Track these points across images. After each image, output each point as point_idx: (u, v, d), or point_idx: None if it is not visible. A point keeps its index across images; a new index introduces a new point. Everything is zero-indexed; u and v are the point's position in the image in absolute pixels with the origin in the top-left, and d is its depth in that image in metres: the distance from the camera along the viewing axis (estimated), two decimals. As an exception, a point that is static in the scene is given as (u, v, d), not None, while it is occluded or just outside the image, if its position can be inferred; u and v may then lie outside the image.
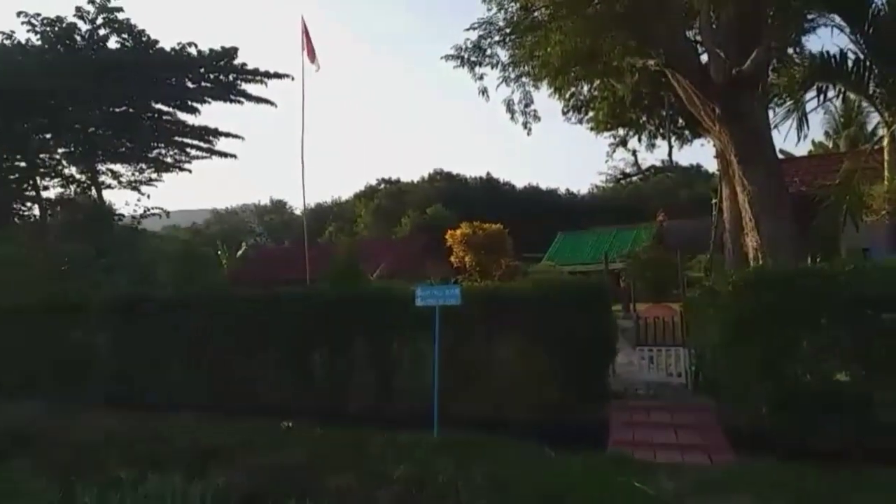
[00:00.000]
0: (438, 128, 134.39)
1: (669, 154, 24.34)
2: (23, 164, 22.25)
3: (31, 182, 22.77)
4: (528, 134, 17.58)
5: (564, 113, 19.98)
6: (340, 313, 11.54)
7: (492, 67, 15.89)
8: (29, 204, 24.09)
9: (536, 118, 17.13)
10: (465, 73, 15.78)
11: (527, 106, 16.96)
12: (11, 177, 23.03)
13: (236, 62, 20.17)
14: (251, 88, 21.03)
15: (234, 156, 23.53)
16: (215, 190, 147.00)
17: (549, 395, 9.54)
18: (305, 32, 16.13)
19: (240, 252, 34.64)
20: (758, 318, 8.49)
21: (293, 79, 19.06)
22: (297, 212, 67.88)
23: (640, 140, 21.37)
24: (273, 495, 7.05)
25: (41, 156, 21.94)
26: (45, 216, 22.78)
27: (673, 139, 20.58)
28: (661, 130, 20.48)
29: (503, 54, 15.80)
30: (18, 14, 18.52)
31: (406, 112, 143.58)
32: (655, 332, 11.96)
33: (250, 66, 20.27)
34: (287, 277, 18.64)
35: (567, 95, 19.17)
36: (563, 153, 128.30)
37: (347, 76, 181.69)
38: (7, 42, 18.72)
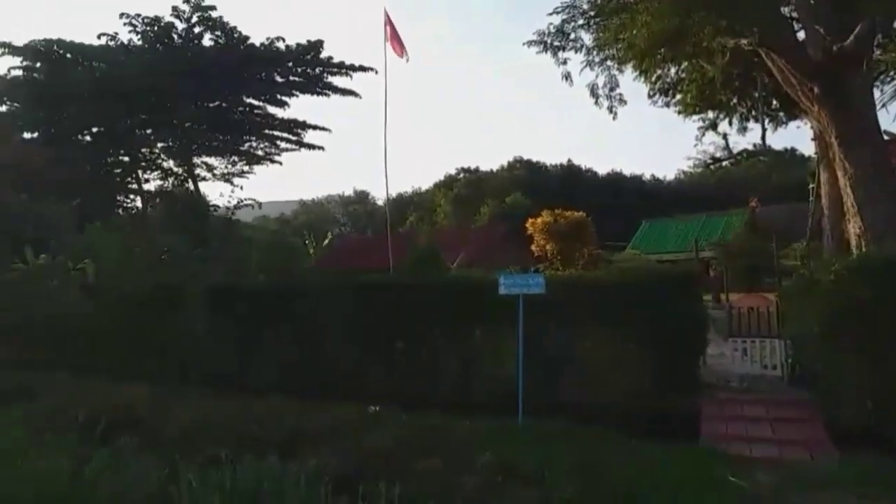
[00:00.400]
0: (518, 115, 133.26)
1: (763, 137, 23.13)
2: (126, 158, 23.65)
3: (133, 175, 24.20)
4: (614, 118, 17.19)
5: (650, 96, 19.36)
6: (423, 301, 11.71)
7: (575, 52, 15.64)
8: (132, 196, 25.70)
9: (622, 102, 16.73)
10: (546, 58, 15.60)
11: (612, 90, 16.58)
12: (116, 171, 24.57)
13: (322, 55, 20.66)
14: (336, 81, 21.52)
15: (321, 148, 24.23)
16: (302, 182, 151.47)
17: (635, 385, 9.37)
18: (390, 24, 16.32)
19: (325, 242, 35.66)
20: (862, 307, 8.04)
21: (377, 72, 19.28)
22: (380, 202, 69.13)
23: (730, 123, 20.45)
24: (363, 477, 7.23)
25: (142, 150, 23.23)
26: (146, 207, 24.18)
27: (766, 121, 19.58)
28: (754, 112, 19.51)
29: (587, 38, 15.51)
30: (121, 15, 19.68)
31: (485, 100, 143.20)
32: (749, 322, 11.50)
33: (334, 59, 20.82)
34: (369, 266, 19.01)
35: (653, 78, 18.56)
36: (648, 138, 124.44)
37: (426, 66, 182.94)
38: (111, 43, 19.85)
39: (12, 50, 18.77)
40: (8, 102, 21.15)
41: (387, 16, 16.61)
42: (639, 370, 9.46)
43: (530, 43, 15.61)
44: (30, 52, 19.03)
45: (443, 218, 61.98)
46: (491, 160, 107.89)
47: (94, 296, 17.85)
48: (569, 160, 68.00)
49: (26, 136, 22.61)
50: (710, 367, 10.86)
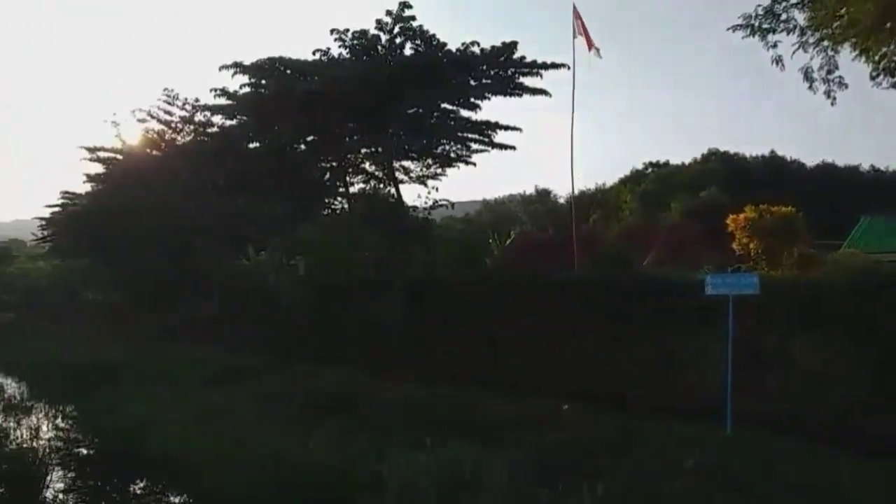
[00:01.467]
0: (714, 106, 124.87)
1: None
2: (334, 163, 25.70)
3: (340, 179, 26.27)
4: (832, 104, 15.43)
5: (873, 77, 17.21)
6: (616, 299, 11.53)
7: (787, 33, 14.34)
8: (339, 199, 27.97)
9: (842, 85, 15.03)
10: (747, 45, 14.48)
11: (829, 73, 14.95)
12: (325, 175, 26.92)
13: (515, 56, 20.84)
14: (527, 80, 21.58)
15: (513, 147, 24.34)
16: (486, 181, 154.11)
17: (857, 398, 8.52)
18: (579, 19, 16.17)
19: (509, 241, 36.12)
20: None
21: (569, 68, 19.09)
22: (561, 200, 68.44)
23: (976, 102, 17.65)
24: (564, 471, 7.29)
25: (349, 156, 25.08)
26: (351, 208, 26.10)
27: None
28: None
29: (800, 18, 14.18)
30: (331, 32, 21.41)
31: (677, 91, 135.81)
32: None
33: (526, 59, 20.90)
34: (552, 264, 18.95)
35: (877, 57, 16.51)
36: (867, 125, 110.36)
37: (613, 57, 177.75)
38: (324, 58, 21.66)
39: (242, 69, 21.18)
40: (238, 116, 23.98)
41: (575, 11, 16.46)
42: (862, 382, 8.62)
43: (735, 28, 14.56)
44: (256, 70, 21.35)
45: (629, 215, 59.99)
46: (682, 154, 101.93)
47: (305, 289, 19.71)
48: (771, 151, 62.59)
49: (252, 145, 25.57)
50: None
